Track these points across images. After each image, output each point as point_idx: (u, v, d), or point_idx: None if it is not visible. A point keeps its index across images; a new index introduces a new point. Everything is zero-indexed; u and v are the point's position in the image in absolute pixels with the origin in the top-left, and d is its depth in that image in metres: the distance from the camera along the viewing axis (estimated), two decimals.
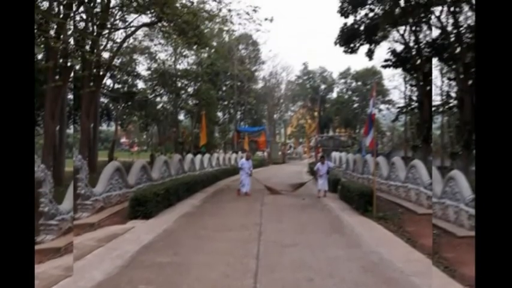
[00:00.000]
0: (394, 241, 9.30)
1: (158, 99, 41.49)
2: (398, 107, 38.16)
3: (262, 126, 56.03)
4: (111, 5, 21.06)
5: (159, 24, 23.05)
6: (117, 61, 31.22)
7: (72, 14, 17.76)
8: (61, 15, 16.95)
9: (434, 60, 26.26)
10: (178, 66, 40.23)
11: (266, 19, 23.12)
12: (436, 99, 31.38)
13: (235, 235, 9.66)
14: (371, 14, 25.57)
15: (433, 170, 13.01)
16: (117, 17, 23.38)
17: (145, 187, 14.24)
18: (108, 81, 34.59)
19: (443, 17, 22.50)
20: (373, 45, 27.91)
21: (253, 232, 9.92)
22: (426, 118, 25.07)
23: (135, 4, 20.56)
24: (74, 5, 17.34)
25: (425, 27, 24.98)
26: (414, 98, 30.93)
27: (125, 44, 28.26)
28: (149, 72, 39.44)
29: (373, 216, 11.78)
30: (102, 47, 22.57)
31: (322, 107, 65.15)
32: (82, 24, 21.50)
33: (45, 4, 18.22)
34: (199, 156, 24.57)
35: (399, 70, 33.17)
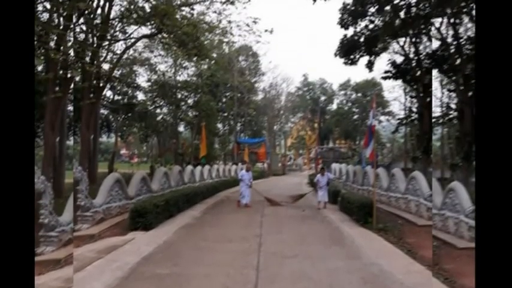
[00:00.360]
0: (394, 252, 9.27)
1: (158, 110, 41.45)
2: (398, 119, 38.03)
3: (262, 137, 55.89)
4: (111, 16, 21.20)
5: (159, 36, 23.19)
6: (117, 72, 31.27)
7: (72, 26, 17.84)
8: (61, 27, 17.02)
9: (434, 72, 26.30)
10: (178, 78, 40.32)
11: (266, 30, 23.31)
12: (436, 111, 31.34)
13: (236, 246, 9.64)
14: (371, 26, 25.65)
15: (433, 181, 13.00)
16: (117, 29, 23.48)
17: (145, 198, 14.22)
18: (108, 93, 34.69)
19: (443, 28, 22.60)
20: (373, 57, 27.95)
21: (253, 243, 9.90)
22: (426, 129, 25.06)
23: (135, 16, 20.67)
24: (74, 16, 17.42)
25: (425, 39, 25.06)
26: (414, 109, 30.90)
27: (125, 56, 28.36)
28: (149, 83, 39.44)
29: (373, 228, 11.74)
30: (102, 59, 22.65)
31: (322, 118, 65.12)
32: (82, 36, 21.56)
33: (45, 15, 18.33)
34: (199, 167, 24.56)
35: (399, 81, 33.21)
